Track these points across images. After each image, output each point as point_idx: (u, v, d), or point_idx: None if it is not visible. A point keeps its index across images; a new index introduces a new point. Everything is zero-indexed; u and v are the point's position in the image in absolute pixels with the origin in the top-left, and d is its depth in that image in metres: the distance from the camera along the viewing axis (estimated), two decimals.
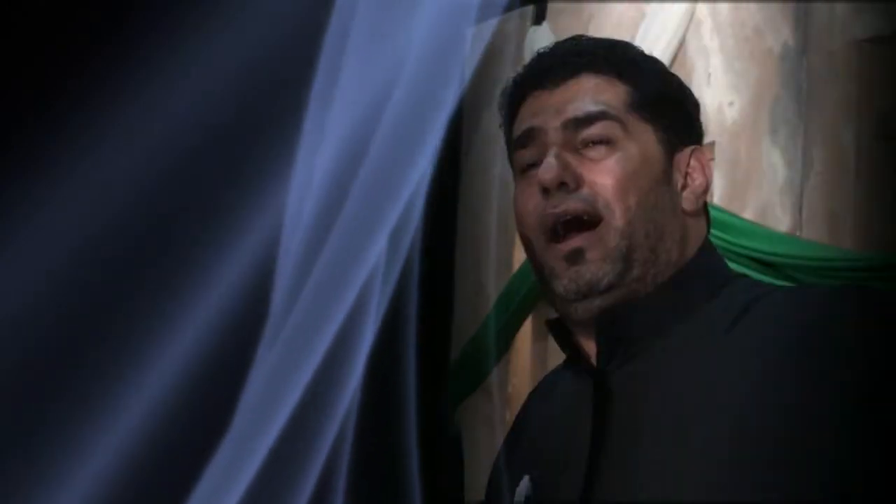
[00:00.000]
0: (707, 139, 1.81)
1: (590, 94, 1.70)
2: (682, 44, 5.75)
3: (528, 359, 6.55)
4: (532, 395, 1.86)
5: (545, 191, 1.67)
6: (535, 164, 1.70)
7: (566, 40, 1.77)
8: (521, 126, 1.73)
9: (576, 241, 1.66)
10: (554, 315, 1.75)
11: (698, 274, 1.70)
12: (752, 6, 5.49)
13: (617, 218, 1.66)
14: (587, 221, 1.66)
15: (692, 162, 1.72)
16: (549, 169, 1.67)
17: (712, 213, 1.80)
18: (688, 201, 1.71)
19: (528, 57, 1.77)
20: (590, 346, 1.70)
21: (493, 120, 1.80)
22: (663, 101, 1.72)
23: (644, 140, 1.70)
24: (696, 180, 1.72)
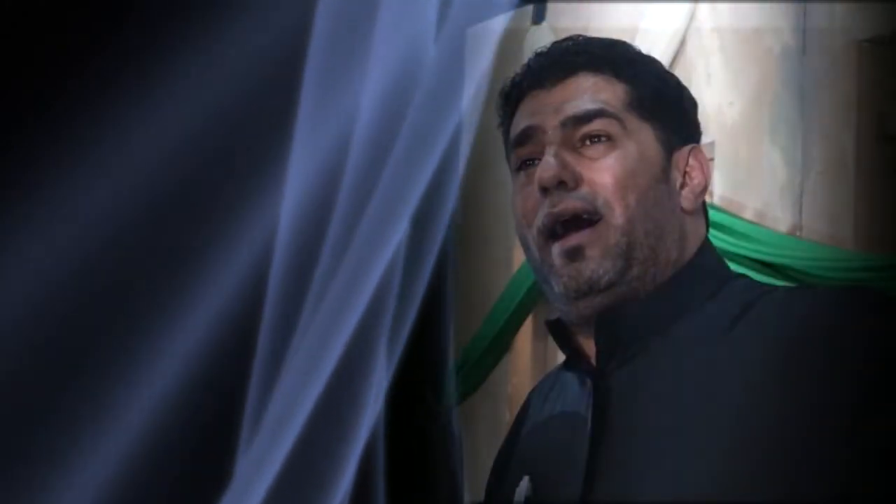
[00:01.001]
0: (707, 139, 1.81)
1: (588, 92, 1.70)
2: (682, 44, 5.75)
3: (528, 359, 6.55)
4: (532, 395, 1.86)
5: (544, 190, 1.67)
6: (533, 163, 1.70)
7: (564, 40, 1.77)
8: (519, 125, 1.72)
9: (575, 239, 1.66)
10: (554, 315, 1.74)
11: (698, 274, 1.70)
12: (752, 6, 5.49)
13: (616, 216, 1.66)
14: (586, 220, 1.66)
15: (691, 161, 1.72)
16: (547, 168, 1.67)
17: (712, 213, 1.80)
18: (686, 200, 1.71)
19: (527, 57, 1.77)
20: (589, 346, 1.70)
21: (492, 120, 1.80)
22: (661, 100, 1.72)
23: (642, 138, 1.70)
24: (695, 179, 1.72)
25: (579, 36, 1.78)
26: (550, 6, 6.29)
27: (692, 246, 1.71)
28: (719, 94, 5.57)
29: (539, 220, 1.68)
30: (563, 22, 6.18)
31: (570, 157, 1.68)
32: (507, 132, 1.75)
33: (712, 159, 5.42)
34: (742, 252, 5.11)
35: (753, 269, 4.98)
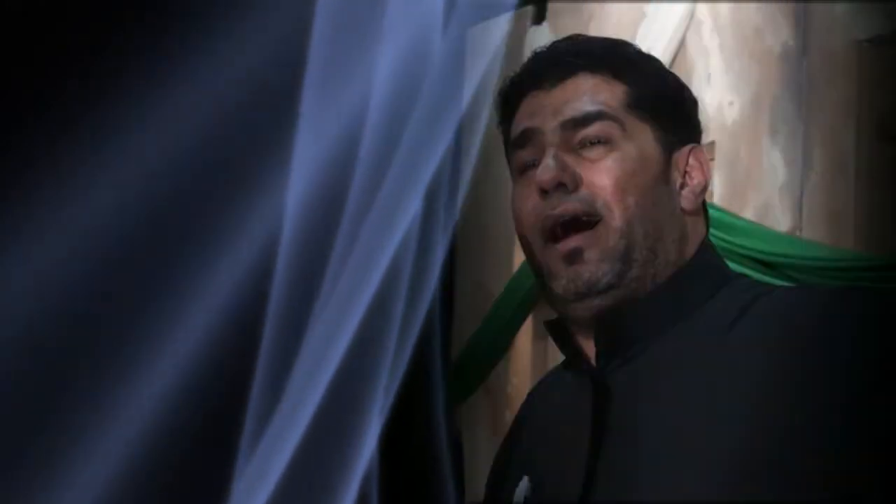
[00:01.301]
0: (707, 139, 1.81)
1: (587, 93, 1.70)
2: (682, 44, 5.75)
3: (528, 359, 6.55)
4: (532, 395, 1.86)
5: (543, 192, 1.67)
6: (533, 165, 1.70)
7: (563, 39, 1.77)
8: (518, 126, 1.72)
9: (574, 241, 1.66)
10: (553, 315, 1.74)
11: (698, 274, 1.69)
12: (752, 6, 5.49)
13: (616, 218, 1.66)
14: (586, 222, 1.66)
15: (691, 161, 1.72)
16: (547, 170, 1.67)
17: (712, 213, 1.80)
18: (687, 200, 1.71)
19: (527, 57, 1.77)
20: (589, 347, 1.70)
21: (492, 119, 1.80)
22: (661, 100, 1.72)
23: (642, 139, 1.70)
24: (695, 179, 1.72)
25: (579, 36, 1.78)
26: (550, 6, 6.29)
27: (692, 246, 1.71)
28: (719, 93, 5.57)
29: (539, 221, 1.68)
30: (563, 22, 6.19)
31: (569, 159, 1.68)
32: (506, 132, 1.75)
33: (712, 159, 5.42)
34: (742, 252, 5.10)
35: (753, 269, 4.98)
